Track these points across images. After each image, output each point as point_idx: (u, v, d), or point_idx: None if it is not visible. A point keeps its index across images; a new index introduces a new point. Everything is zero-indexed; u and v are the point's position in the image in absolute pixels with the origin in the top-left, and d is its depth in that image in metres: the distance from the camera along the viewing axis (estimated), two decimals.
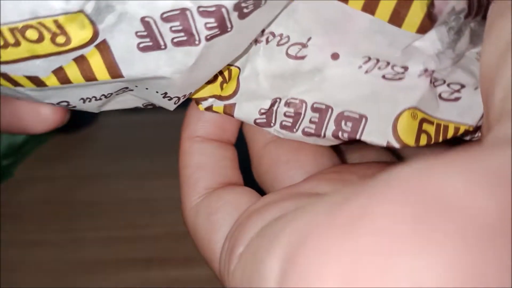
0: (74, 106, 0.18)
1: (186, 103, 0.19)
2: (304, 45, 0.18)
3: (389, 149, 0.22)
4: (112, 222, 0.34)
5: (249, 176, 0.21)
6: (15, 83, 0.16)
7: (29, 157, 0.38)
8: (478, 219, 0.09)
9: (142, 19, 0.14)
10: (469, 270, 0.08)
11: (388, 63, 0.18)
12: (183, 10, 0.14)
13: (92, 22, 0.14)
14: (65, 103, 0.17)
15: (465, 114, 0.18)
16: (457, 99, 0.18)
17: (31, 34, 0.14)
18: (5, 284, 0.30)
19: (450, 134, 0.18)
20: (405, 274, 0.08)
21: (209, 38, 0.15)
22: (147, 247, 0.33)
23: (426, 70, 0.18)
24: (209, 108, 0.19)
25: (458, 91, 0.18)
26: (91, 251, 0.33)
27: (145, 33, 0.15)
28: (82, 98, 0.17)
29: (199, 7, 0.14)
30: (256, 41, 0.18)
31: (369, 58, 0.18)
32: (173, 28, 0.14)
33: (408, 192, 0.09)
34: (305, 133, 0.19)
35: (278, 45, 0.18)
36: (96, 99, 0.17)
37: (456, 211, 0.09)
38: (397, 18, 0.17)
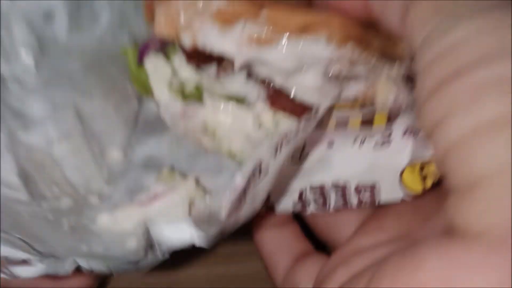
0: None
1: None
2: (302, 149, 0.22)
3: None
4: None
5: None
6: None
7: None
8: None
9: None
10: None
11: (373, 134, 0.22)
12: None
13: None
14: None
15: None
16: None
17: None
18: (5, 284, 0.31)
19: None
20: None
21: None
22: None
23: (407, 129, 0.21)
24: None
25: None
26: None
27: None
28: None
29: None
30: None
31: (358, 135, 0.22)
32: None
33: None
34: (335, 208, 0.22)
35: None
36: None
37: None
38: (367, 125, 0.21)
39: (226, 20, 0.21)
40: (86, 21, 0.29)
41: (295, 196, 0.23)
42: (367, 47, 0.20)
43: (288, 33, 0.20)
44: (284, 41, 0.20)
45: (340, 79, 0.21)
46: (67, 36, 0.29)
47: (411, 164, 0.21)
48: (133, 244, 0.24)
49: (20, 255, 0.22)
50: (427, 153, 0.21)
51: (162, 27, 0.23)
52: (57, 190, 0.28)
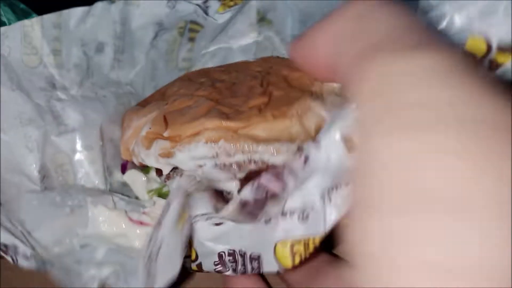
0: None
1: None
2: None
3: None
4: None
5: None
6: None
7: None
8: None
9: None
10: None
11: None
12: None
13: None
14: None
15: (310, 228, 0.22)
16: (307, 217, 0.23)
17: None
18: (5, 284, 0.31)
19: (316, 243, 0.22)
20: None
21: None
22: None
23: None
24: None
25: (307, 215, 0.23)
26: None
27: None
28: None
29: None
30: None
31: None
32: None
33: None
34: (242, 273, 0.25)
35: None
36: None
37: None
38: None
39: (148, 141, 0.27)
40: (126, 63, 0.35)
41: (215, 257, 0.25)
42: (238, 140, 0.25)
43: (181, 144, 0.26)
44: (180, 149, 0.26)
45: (230, 168, 0.26)
46: (109, 68, 0.34)
47: (282, 241, 0.23)
48: (101, 252, 0.28)
49: (18, 244, 0.25)
50: (298, 233, 0.23)
51: (123, 153, 0.30)
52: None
